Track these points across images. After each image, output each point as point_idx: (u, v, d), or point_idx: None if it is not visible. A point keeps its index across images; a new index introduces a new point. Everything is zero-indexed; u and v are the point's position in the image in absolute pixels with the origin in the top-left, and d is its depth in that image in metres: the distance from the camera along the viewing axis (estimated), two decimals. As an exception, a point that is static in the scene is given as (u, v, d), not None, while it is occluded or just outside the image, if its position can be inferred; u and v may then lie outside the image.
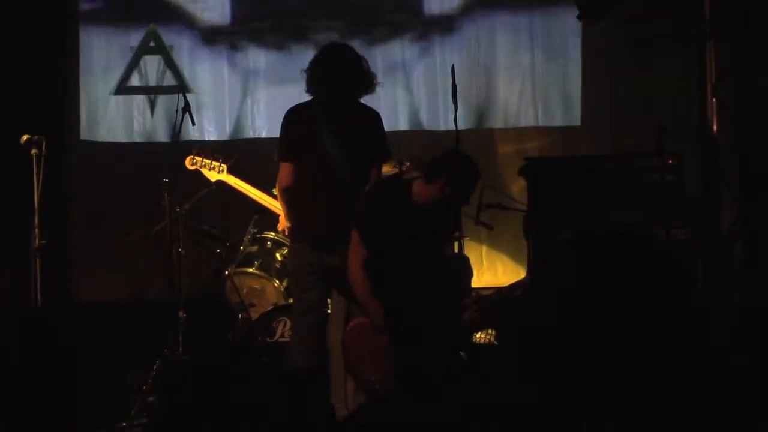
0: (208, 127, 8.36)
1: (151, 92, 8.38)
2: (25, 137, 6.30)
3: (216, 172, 6.67)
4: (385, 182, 5.49)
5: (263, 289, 6.67)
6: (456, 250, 6.83)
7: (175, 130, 6.27)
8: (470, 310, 5.14)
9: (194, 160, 6.69)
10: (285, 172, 5.55)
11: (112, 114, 8.39)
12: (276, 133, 5.74)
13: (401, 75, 8.33)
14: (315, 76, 5.54)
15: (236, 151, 6.96)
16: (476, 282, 6.76)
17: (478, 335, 6.14)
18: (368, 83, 5.58)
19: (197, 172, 6.69)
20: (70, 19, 8.31)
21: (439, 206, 5.15)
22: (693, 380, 2.10)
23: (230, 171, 6.67)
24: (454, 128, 5.41)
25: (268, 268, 6.67)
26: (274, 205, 6.31)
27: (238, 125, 8.40)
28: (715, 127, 7.59)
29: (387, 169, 6.06)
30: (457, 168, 5.12)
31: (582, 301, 2.03)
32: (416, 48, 8.36)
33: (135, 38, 8.37)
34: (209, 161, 6.68)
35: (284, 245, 6.48)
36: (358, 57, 5.62)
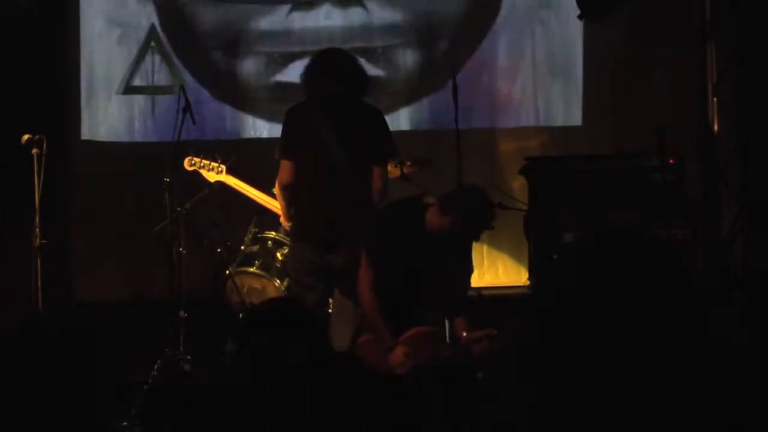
0: (209, 127, 8.36)
1: (152, 92, 8.37)
2: (25, 137, 6.29)
3: (215, 173, 6.67)
4: (400, 205, 5.44)
5: (264, 288, 6.66)
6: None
7: (176, 129, 6.27)
8: (482, 342, 5.10)
9: (193, 161, 6.69)
10: (285, 170, 5.56)
11: (113, 114, 8.38)
12: (277, 133, 5.75)
13: (401, 74, 8.34)
14: (309, 80, 5.56)
15: (237, 151, 6.96)
16: (477, 282, 6.74)
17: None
18: (362, 86, 5.60)
19: (197, 172, 6.69)
20: (72, 17, 8.30)
21: (451, 239, 5.12)
22: (696, 383, 2.10)
23: (229, 171, 6.66)
24: (454, 128, 5.41)
25: (268, 267, 6.66)
26: (274, 204, 6.31)
27: (238, 125, 8.40)
28: (715, 127, 7.59)
29: (390, 168, 6.06)
30: (473, 205, 5.10)
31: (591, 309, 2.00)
32: (416, 47, 8.36)
33: (137, 38, 8.38)
34: (208, 162, 6.68)
35: (285, 245, 6.48)
36: (351, 60, 5.63)
